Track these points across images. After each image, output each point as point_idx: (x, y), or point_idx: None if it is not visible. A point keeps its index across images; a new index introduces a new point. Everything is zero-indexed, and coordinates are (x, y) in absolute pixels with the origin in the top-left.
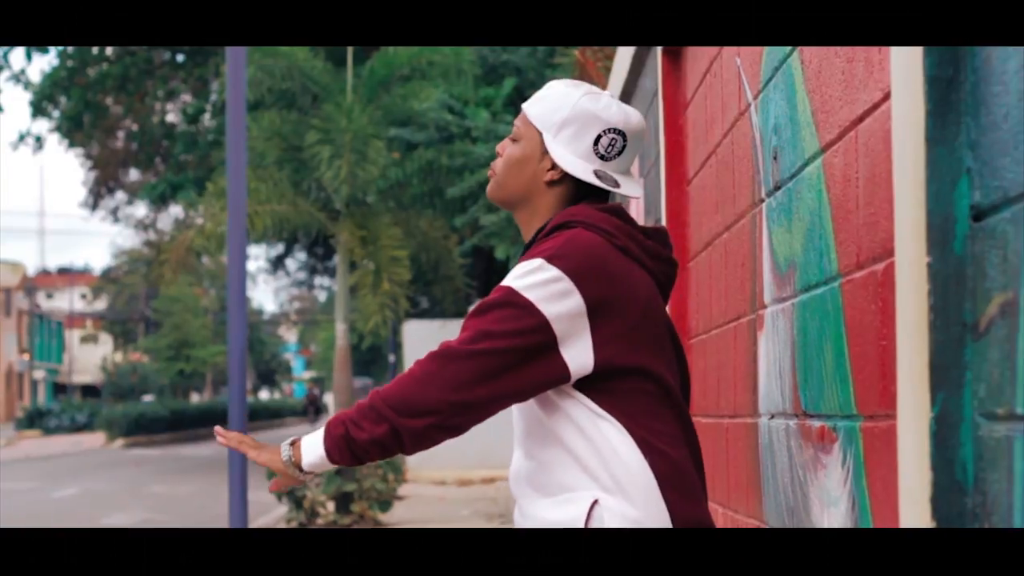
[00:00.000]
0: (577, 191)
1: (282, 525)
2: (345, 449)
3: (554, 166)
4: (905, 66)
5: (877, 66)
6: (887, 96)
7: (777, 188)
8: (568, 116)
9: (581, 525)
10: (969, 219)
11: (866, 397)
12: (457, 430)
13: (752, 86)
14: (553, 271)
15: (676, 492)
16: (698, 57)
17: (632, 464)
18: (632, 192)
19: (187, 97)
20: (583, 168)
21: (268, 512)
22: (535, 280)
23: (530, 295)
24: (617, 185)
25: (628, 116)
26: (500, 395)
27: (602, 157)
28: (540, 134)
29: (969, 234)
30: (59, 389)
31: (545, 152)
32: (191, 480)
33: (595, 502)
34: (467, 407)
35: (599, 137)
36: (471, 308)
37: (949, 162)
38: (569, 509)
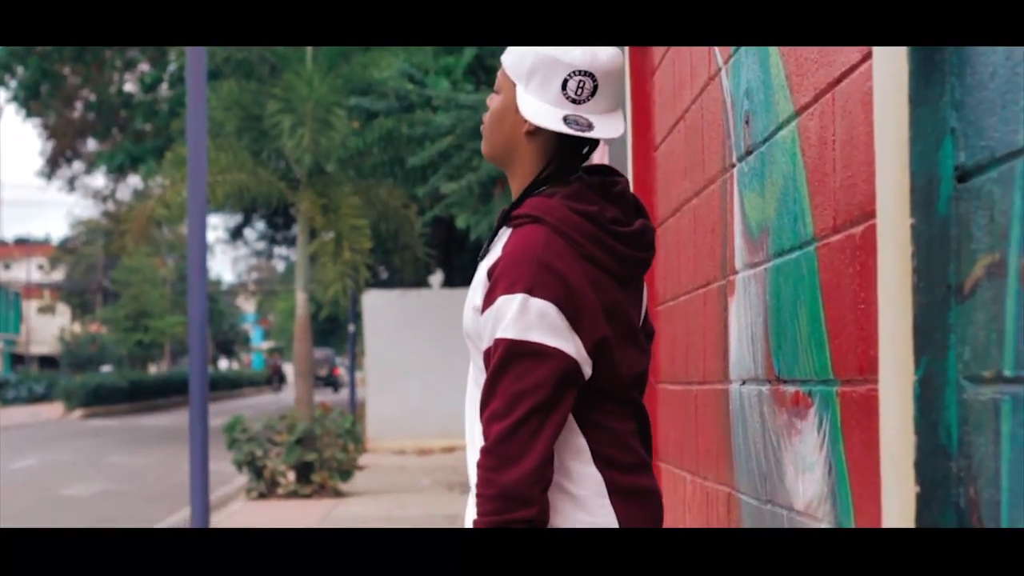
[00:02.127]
0: (558, 140)
1: (242, 496)
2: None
3: None
4: None
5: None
6: (866, 57)
7: (749, 153)
8: (533, 64)
9: None
10: (953, 180)
11: (843, 362)
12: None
13: (722, 51)
14: (539, 304)
15: (613, 464)
16: None
17: (568, 438)
18: (606, 134)
19: (145, 67)
20: (552, 116)
21: (228, 482)
22: (530, 321)
23: (533, 336)
24: (591, 127)
25: (595, 55)
26: (557, 427)
27: (574, 101)
28: (514, 85)
29: (953, 195)
30: (16, 360)
31: None
32: (150, 451)
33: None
34: (548, 460)
35: (566, 81)
36: (488, 368)
37: (933, 122)
38: None
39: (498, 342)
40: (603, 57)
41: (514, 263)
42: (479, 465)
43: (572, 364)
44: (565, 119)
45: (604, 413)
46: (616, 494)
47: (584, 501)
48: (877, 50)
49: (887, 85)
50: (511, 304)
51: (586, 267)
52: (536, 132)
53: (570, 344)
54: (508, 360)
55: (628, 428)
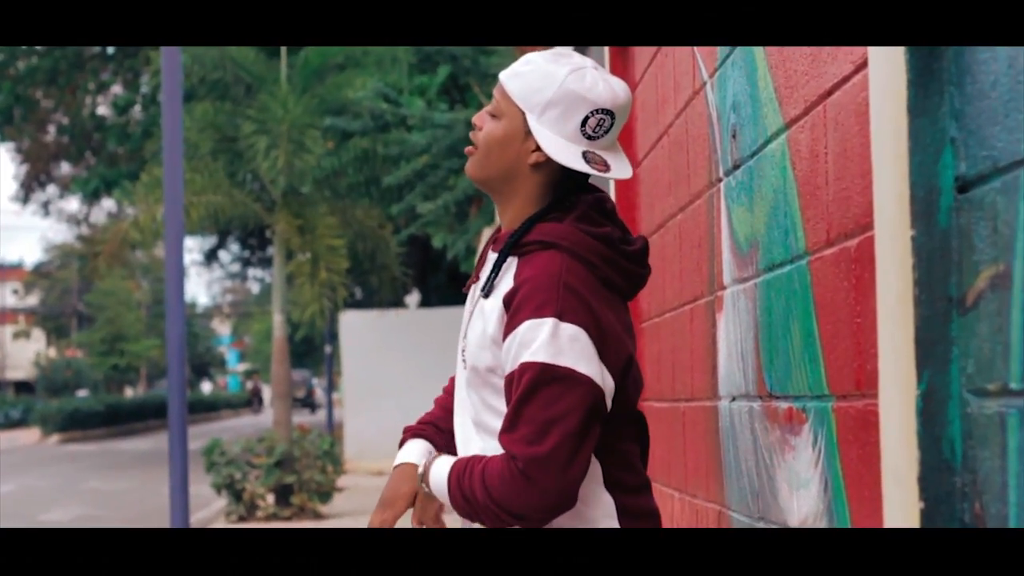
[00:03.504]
0: (562, 173)
1: (222, 519)
2: (471, 516)
3: (538, 148)
4: None
5: None
6: (859, 68)
7: (736, 167)
8: (553, 97)
9: None
10: (954, 191)
11: (839, 376)
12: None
13: (707, 65)
14: (570, 328)
15: (622, 487)
16: None
17: (593, 487)
18: (622, 174)
19: (117, 89)
20: (571, 153)
21: (208, 506)
22: (561, 345)
23: (565, 361)
24: (607, 168)
25: (616, 93)
26: (587, 458)
27: (589, 138)
28: (522, 113)
29: (954, 206)
30: None
31: (528, 133)
32: (128, 475)
33: None
34: (574, 491)
35: (587, 118)
36: (511, 389)
37: (932, 132)
38: None
39: (527, 366)
40: (622, 95)
41: (538, 288)
42: (509, 469)
43: (599, 393)
44: (584, 156)
45: (616, 436)
46: (625, 516)
47: (595, 523)
48: (873, 60)
49: (884, 95)
50: (541, 328)
51: (602, 290)
52: (543, 164)
53: (597, 372)
54: (538, 384)
55: (634, 450)
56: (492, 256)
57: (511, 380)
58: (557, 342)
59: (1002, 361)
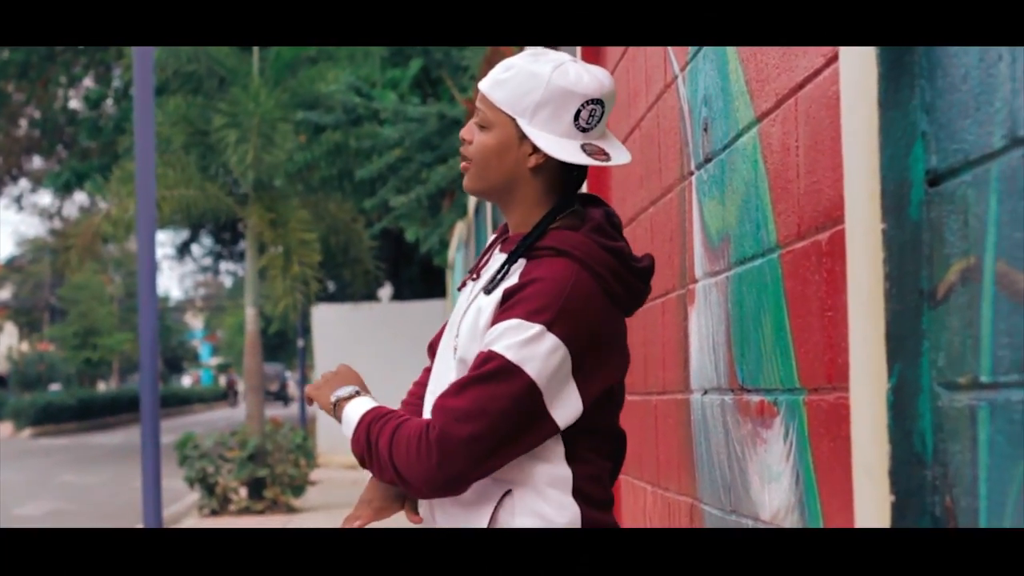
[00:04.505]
0: (563, 170)
1: (195, 513)
2: (363, 458)
3: (536, 150)
4: None
5: None
6: (830, 62)
7: (708, 160)
8: (542, 98)
9: (488, 515)
10: (925, 184)
11: (810, 370)
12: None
13: (679, 58)
14: (553, 341)
15: (589, 500)
16: None
17: (554, 467)
18: (621, 160)
19: (89, 83)
20: (571, 149)
21: (181, 499)
22: (535, 352)
23: (529, 368)
24: (607, 156)
25: (601, 81)
26: (496, 468)
27: (584, 130)
28: (512, 119)
29: (925, 199)
30: None
31: (523, 137)
32: (101, 469)
33: (507, 492)
34: (466, 487)
35: (579, 111)
36: (471, 368)
37: (903, 126)
38: (479, 498)
39: (493, 354)
40: (607, 83)
41: (542, 293)
42: (415, 439)
43: (542, 412)
44: (583, 150)
45: (591, 448)
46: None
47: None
48: (844, 54)
49: (855, 89)
50: (526, 330)
51: (607, 305)
52: (543, 165)
53: (557, 391)
54: (493, 376)
55: (607, 466)
56: (499, 256)
57: (476, 359)
58: (533, 349)
59: (972, 354)
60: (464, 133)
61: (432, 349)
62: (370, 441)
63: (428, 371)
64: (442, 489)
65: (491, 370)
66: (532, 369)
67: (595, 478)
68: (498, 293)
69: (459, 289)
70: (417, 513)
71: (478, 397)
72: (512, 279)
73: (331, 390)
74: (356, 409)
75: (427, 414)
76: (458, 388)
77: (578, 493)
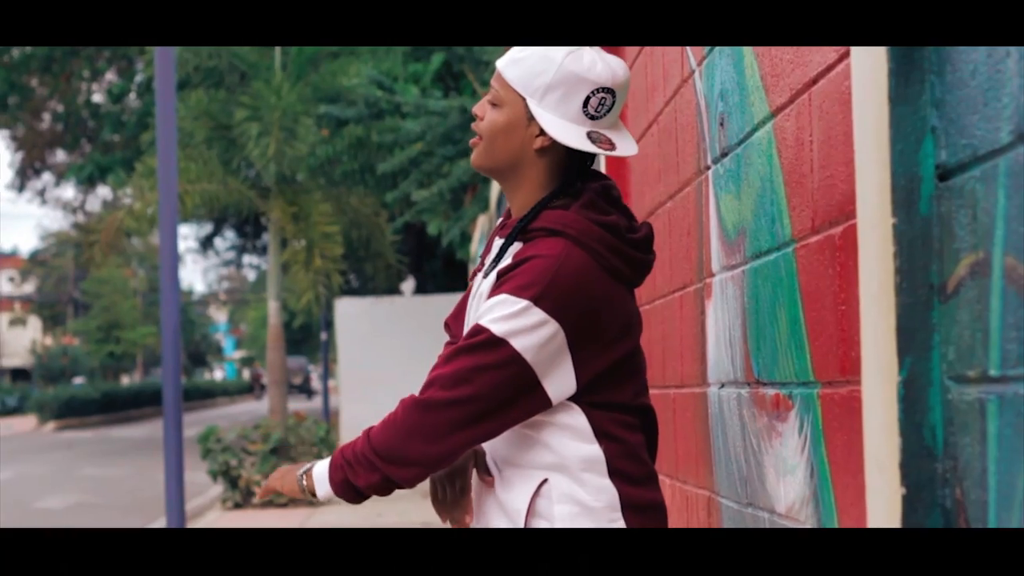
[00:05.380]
0: (568, 155)
1: (218, 506)
2: (348, 491)
3: (543, 132)
4: None
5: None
6: (843, 57)
7: (724, 155)
8: (552, 80)
9: (526, 504)
10: (935, 179)
11: (824, 363)
12: (448, 464)
13: (696, 53)
14: (539, 315)
15: (626, 477)
16: None
17: (584, 447)
18: (627, 151)
19: (112, 77)
20: (576, 134)
21: (203, 493)
22: (521, 325)
23: (515, 342)
24: (612, 146)
25: (614, 71)
26: (481, 437)
27: (592, 117)
28: (523, 99)
29: (935, 194)
30: None
31: (531, 118)
32: (124, 462)
33: (544, 481)
34: (450, 454)
35: (588, 98)
36: (462, 341)
37: (913, 121)
38: (517, 488)
39: (480, 328)
40: (621, 73)
41: (531, 269)
42: (396, 413)
43: (532, 378)
44: (589, 136)
45: (619, 424)
46: (628, 508)
47: (597, 514)
48: (855, 49)
49: (866, 84)
50: (511, 304)
51: (606, 280)
52: (548, 148)
53: (544, 365)
54: (479, 347)
55: (639, 440)
56: (498, 242)
57: (467, 332)
58: (518, 321)
59: (982, 348)
60: (476, 108)
61: (448, 326)
62: (347, 460)
63: (448, 344)
64: (420, 461)
65: (477, 342)
66: (518, 343)
67: (630, 454)
68: (493, 275)
69: (471, 279)
70: (488, 472)
71: (463, 366)
72: (506, 261)
73: (291, 472)
74: (323, 461)
75: None
76: (444, 359)
77: (615, 473)
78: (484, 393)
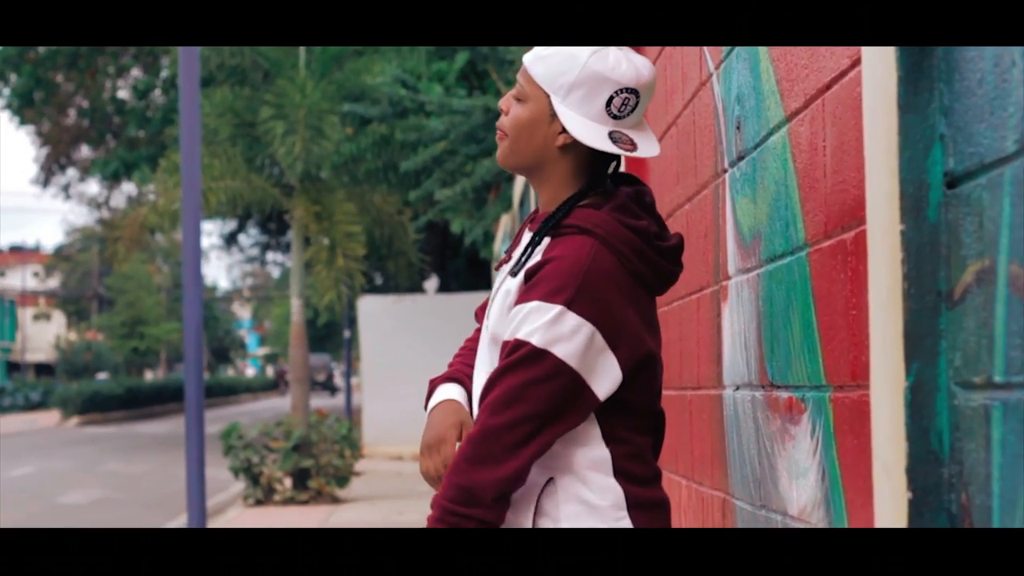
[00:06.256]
0: (592, 153)
1: (239, 503)
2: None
3: (565, 130)
4: None
5: None
6: (855, 63)
7: (741, 158)
8: (576, 79)
9: (532, 503)
10: (943, 186)
11: (836, 367)
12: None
13: (713, 56)
14: (574, 319)
15: (631, 477)
16: None
17: (592, 450)
18: (649, 152)
19: (137, 73)
20: (597, 133)
21: (225, 489)
22: (559, 332)
23: (557, 351)
24: (634, 147)
25: (639, 71)
26: (544, 448)
27: (615, 117)
28: (547, 96)
29: (943, 201)
30: (12, 367)
31: (554, 115)
32: (147, 458)
33: (550, 480)
34: (521, 473)
35: (611, 98)
36: (502, 355)
37: (922, 128)
38: (523, 488)
39: (520, 343)
40: (646, 74)
41: (560, 272)
42: (460, 449)
43: (580, 387)
44: (610, 136)
45: (629, 427)
46: (634, 507)
47: (603, 512)
48: (866, 56)
49: (876, 91)
50: (546, 312)
51: (630, 283)
52: (571, 146)
53: (590, 366)
54: (523, 363)
55: (646, 442)
56: (527, 236)
57: (504, 347)
58: (556, 329)
59: (987, 354)
60: (502, 103)
61: (478, 315)
62: (442, 517)
63: (479, 331)
64: (502, 483)
65: (520, 357)
66: (560, 351)
67: (635, 455)
68: (522, 274)
69: (496, 269)
70: None
71: (511, 385)
72: (535, 258)
73: (443, 419)
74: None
75: (476, 393)
76: (491, 383)
77: (620, 473)
78: (538, 409)
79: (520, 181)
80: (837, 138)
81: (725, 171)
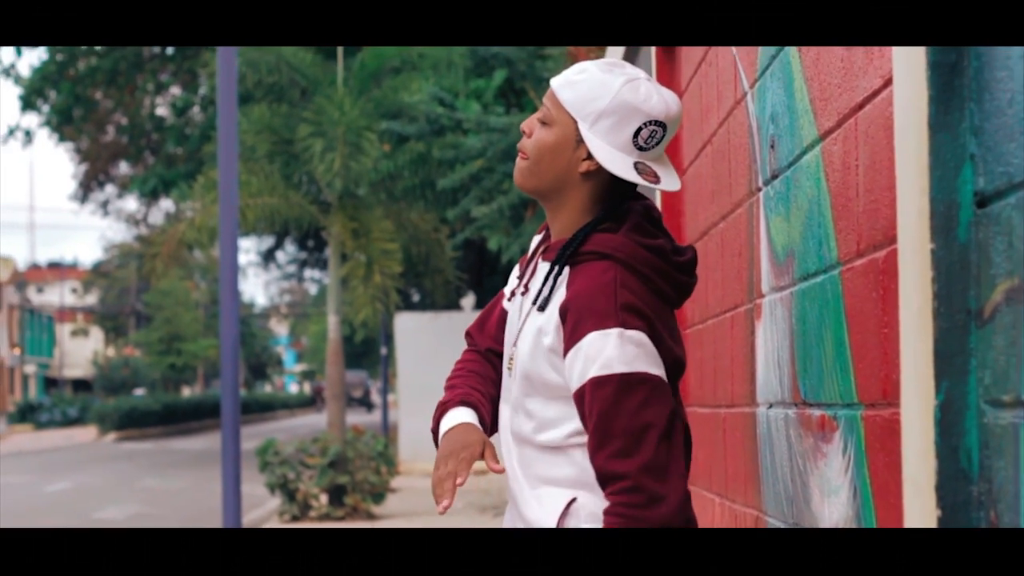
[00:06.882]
0: (612, 182)
1: (275, 519)
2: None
3: (590, 156)
4: (908, 52)
5: (877, 53)
6: (888, 83)
7: (775, 177)
8: (607, 107)
9: (555, 522)
10: (973, 206)
11: (867, 385)
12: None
13: (748, 75)
14: (636, 335)
15: None
16: (692, 47)
17: None
18: (670, 186)
19: (176, 90)
20: (623, 163)
21: (261, 505)
22: (632, 351)
23: (642, 367)
24: (657, 179)
25: (668, 105)
26: (680, 456)
27: (641, 148)
28: (574, 121)
29: (973, 221)
30: (50, 383)
31: (580, 141)
32: (183, 474)
33: (573, 500)
34: (686, 488)
35: (639, 129)
36: (583, 405)
37: (952, 148)
38: (547, 507)
39: (602, 380)
40: (675, 108)
41: (597, 299)
42: (621, 505)
43: (666, 385)
44: (635, 167)
45: None
46: None
47: None
48: (897, 76)
49: (907, 111)
50: (608, 339)
51: (654, 300)
52: (593, 173)
53: (664, 375)
54: (623, 393)
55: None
56: (543, 266)
57: (581, 395)
58: (629, 349)
59: (1016, 373)
60: (524, 125)
61: (470, 335)
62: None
63: (473, 352)
64: (682, 511)
65: (615, 390)
66: (642, 366)
67: None
68: (553, 311)
69: (508, 300)
70: (497, 461)
71: (624, 427)
72: (560, 291)
73: (465, 436)
74: None
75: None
76: (601, 432)
77: None
78: (660, 424)
79: None
80: (869, 157)
81: (759, 189)
